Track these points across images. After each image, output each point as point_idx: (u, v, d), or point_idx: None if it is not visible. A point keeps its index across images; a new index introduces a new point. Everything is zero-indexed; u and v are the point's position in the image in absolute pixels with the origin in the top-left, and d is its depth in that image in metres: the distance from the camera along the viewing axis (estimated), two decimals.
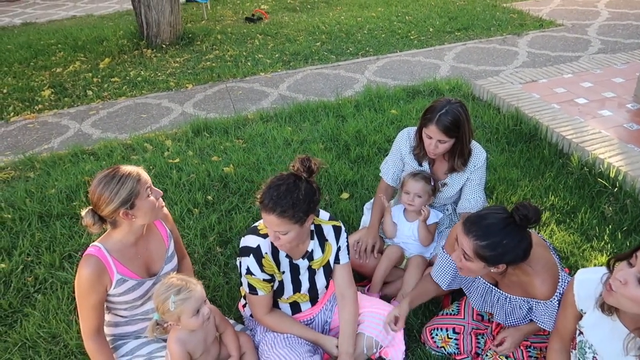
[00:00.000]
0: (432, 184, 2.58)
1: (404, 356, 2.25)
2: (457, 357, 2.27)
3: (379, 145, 3.96)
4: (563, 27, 6.74)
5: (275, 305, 2.23)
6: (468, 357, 2.24)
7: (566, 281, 1.88)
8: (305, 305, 2.25)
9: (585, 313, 1.68)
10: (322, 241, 2.17)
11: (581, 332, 1.69)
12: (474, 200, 2.56)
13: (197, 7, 9.28)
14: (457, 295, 2.53)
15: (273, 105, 5.07)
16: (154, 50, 6.90)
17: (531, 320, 2.05)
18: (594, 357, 1.65)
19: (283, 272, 2.11)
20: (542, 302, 1.90)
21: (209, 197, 3.52)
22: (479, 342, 2.27)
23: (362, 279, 2.73)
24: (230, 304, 2.63)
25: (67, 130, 4.96)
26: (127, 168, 1.98)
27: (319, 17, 8.07)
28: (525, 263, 1.84)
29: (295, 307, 2.25)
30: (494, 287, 2.05)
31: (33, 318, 2.62)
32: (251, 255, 2.03)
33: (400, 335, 2.25)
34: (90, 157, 4.25)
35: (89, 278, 1.94)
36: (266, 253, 2.04)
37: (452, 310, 2.37)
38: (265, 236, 2.05)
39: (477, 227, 1.77)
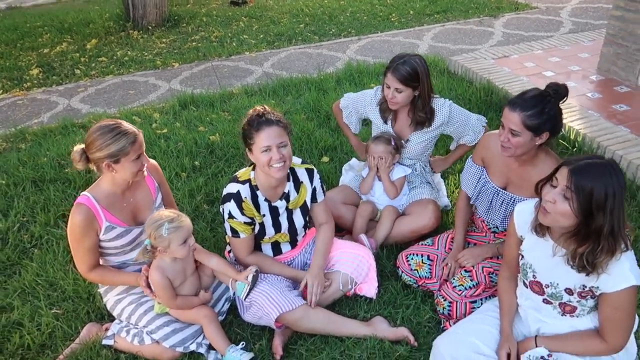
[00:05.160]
0: (393, 143, 2.78)
1: (376, 292, 2.47)
2: (428, 281, 2.49)
3: None
4: (537, 10, 7.00)
5: (258, 248, 2.43)
6: (437, 281, 2.46)
7: None
8: (285, 247, 2.45)
9: (524, 238, 1.91)
10: (297, 183, 2.38)
11: (522, 256, 1.92)
12: (473, 134, 2.78)
13: None
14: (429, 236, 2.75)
15: (257, 82, 5.24)
16: (140, 31, 7.01)
17: None
18: (533, 275, 1.87)
19: (264, 215, 2.32)
20: None
21: (196, 163, 3.70)
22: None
23: (339, 230, 2.94)
24: (217, 254, 2.82)
25: (56, 105, 5.09)
26: (128, 127, 2.13)
27: (303, 0, 8.23)
28: (554, 156, 2.13)
29: (277, 249, 2.45)
30: (502, 190, 2.31)
31: (31, 268, 2.79)
32: (232, 200, 2.23)
33: (373, 273, 2.47)
34: (80, 129, 4.39)
35: (80, 224, 2.12)
36: (245, 197, 2.24)
37: (427, 242, 2.60)
38: (244, 182, 2.26)
39: (521, 100, 2.01)
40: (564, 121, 3.62)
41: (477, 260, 2.37)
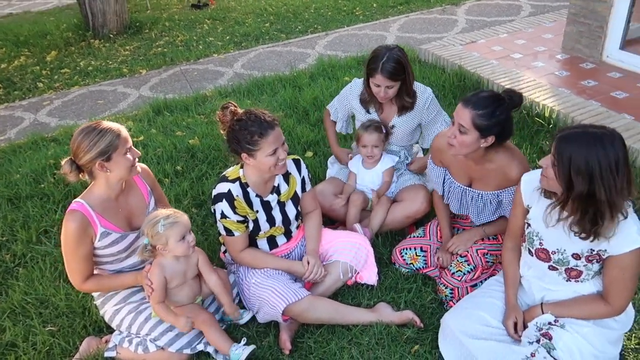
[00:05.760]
0: (384, 130, 2.81)
1: (377, 278, 2.49)
2: (425, 271, 2.53)
3: None
4: None
5: (253, 244, 2.41)
6: (435, 268, 2.50)
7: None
8: (280, 239, 2.44)
9: (531, 207, 1.97)
10: (286, 175, 2.39)
11: (529, 225, 1.98)
12: (445, 124, 2.81)
13: None
14: (419, 225, 2.80)
15: (230, 83, 5.19)
16: (102, 40, 6.83)
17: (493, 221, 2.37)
18: (540, 242, 1.93)
19: (257, 212, 2.30)
20: (512, 188, 2.18)
21: (178, 168, 3.64)
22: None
23: (332, 222, 2.95)
24: (211, 256, 2.76)
25: (22, 121, 4.91)
26: (109, 123, 2.09)
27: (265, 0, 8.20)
28: (505, 147, 2.14)
29: (272, 242, 2.43)
30: (468, 188, 2.33)
31: (18, 288, 2.69)
32: (224, 199, 2.21)
33: (371, 259, 2.49)
34: (52, 143, 4.26)
35: (75, 232, 2.05)
36: (237, 196, 2.23)
37: (418, 234, 2.63)
38: (234, 181, 2.24)
39: (475, 98, 2.03)
40: (537, 99, 3.75)
41: (467, 245, 2.41)
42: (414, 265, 2.54)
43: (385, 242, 2.77)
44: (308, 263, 2.37)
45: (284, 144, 2.19)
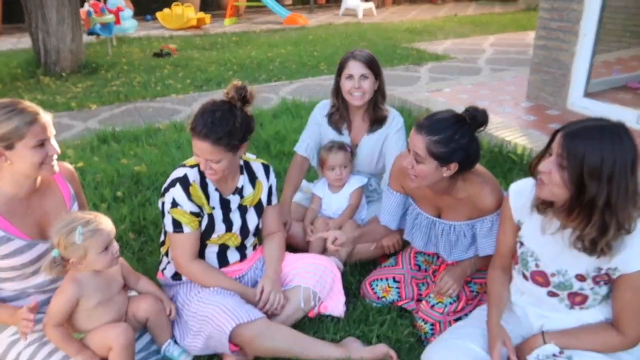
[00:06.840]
0: (349, 149, 2.54)
1: (344, 308, 2.10)
2: (400, 304, 2.17)
3: None
4: (456, 59, 7.42)
5: (202, 254, 2.03)
6: (411, 301, 2.15)
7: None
8: (233, 255, 2.07)
9: (523, 223, 1.67)
10: (252, 178, 2.08)
11: (522, 244, 1.67)
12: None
13: (100, 45, 8.95)
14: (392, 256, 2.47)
15: (188, 119, 4.88)
16: (53, 77, 6.46)
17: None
18: (536, 264, 1.62)
19: (213, 208, 1.96)
20: (487, 218, 1.87)
21: (119, 193, 3.21)
22: (420, 290, 2.19)
23: (293, 250, 2.57)
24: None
25: None
26: (27, 104, 1.69)
27: (230, 53, 8.14)
28: (474, 174, 1.82)
29: (223, 256, 2.05)
30: (437, 219, 2.00)
31: None
32: (177, 184, 1.88)
33: (338, 285, 2.12)
34: None
35: None
36: (194, 181, 1.91)
37: (390, 263, 2.30)
38: (192, 167, 1.93)
39: (429, 122, 1.71)
40: (508, 138, 3.62)
41: (461, 282, 2.03)
42: (386, 299, 2.18)
43: (353, 271, 2.41)
44: (262, 290, 1.98)
45: (215, 162, 1.83)
